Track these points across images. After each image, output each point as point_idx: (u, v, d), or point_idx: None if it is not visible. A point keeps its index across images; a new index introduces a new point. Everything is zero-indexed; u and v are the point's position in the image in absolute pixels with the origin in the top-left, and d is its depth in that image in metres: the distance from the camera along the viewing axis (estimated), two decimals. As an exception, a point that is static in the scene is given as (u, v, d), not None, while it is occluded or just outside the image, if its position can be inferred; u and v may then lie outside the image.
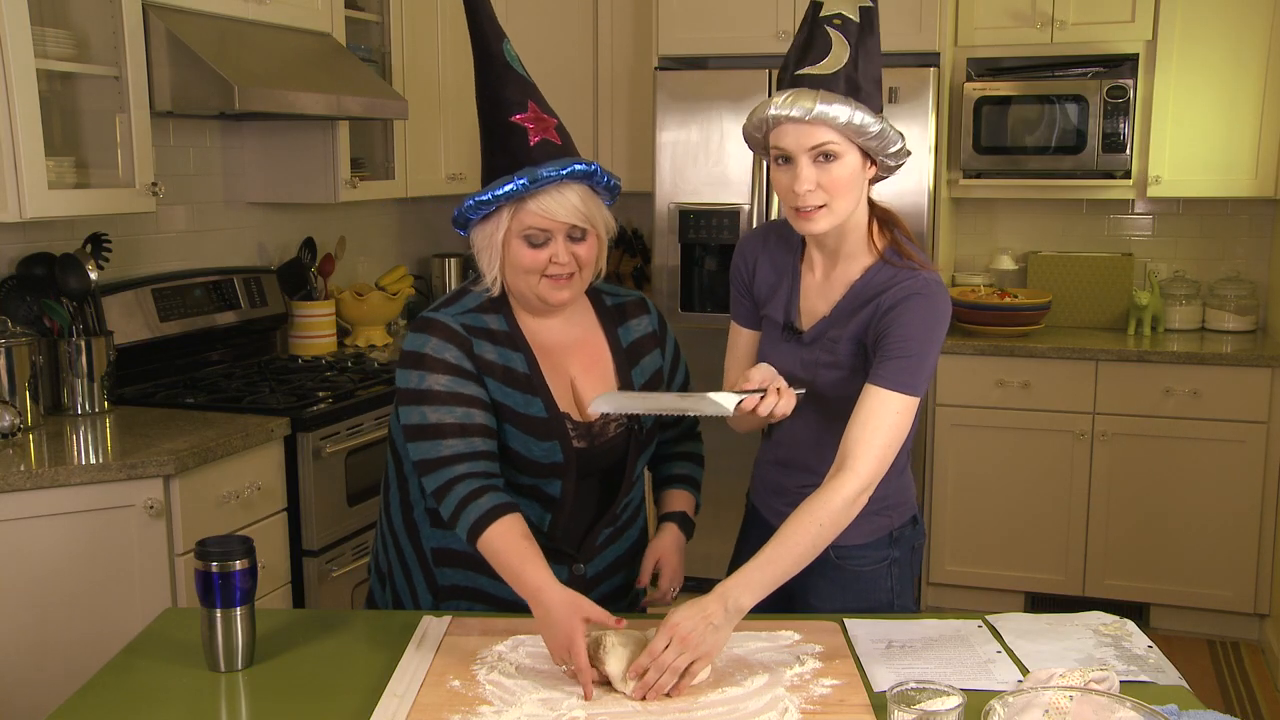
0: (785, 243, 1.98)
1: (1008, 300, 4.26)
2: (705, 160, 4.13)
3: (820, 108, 1.73)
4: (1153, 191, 4.14)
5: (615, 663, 1.59)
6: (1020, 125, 4.16)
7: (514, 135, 1.78)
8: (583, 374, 1.91)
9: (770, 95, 1.81)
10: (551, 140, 1.79)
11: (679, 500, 2.03)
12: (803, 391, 1.83)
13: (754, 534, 2.04)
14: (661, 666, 1.55)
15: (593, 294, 1.97)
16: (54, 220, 2.93)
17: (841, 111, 1.73)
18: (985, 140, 4.20)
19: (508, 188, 1.75)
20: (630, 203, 4.60)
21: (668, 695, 1.56)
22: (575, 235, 1.79)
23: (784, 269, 1.96)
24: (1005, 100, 4.16)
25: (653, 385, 1.97)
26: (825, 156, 1.76)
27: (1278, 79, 3.95)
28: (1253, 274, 4.35)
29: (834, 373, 1.88)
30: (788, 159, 1.78)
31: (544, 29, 4.48)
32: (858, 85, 1.76)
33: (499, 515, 1.75)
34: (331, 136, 3.62)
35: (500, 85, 1.81)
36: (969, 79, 4.24)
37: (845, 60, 1.75)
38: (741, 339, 2.05)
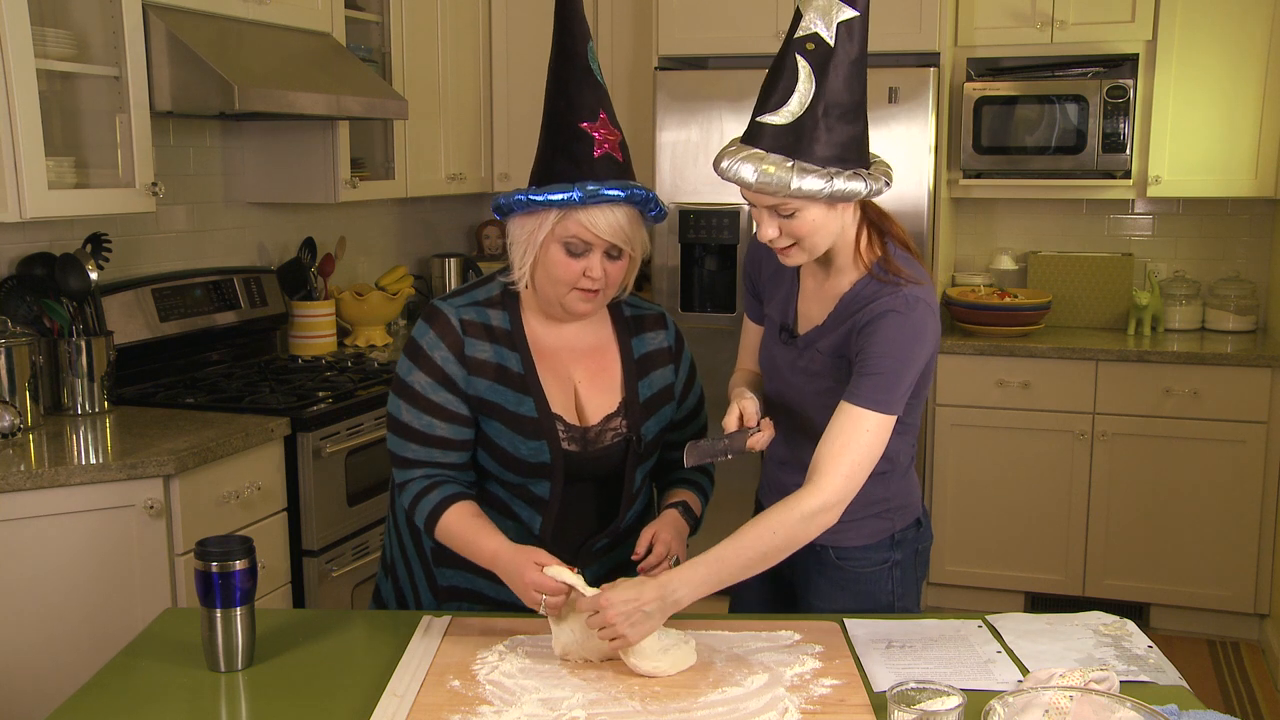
0: None
1: (1008, 300, 4.26)
2: (705, 160, 4.12)
3: (763, 179, 1.68)
4: (1153, 191, 4.13)
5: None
6: (1020, 125, 4.16)
7: (579, 142, 1.78)
8: (588, 380, 1.91)
9: (726, 146, 1.74)
10: (614, 156, 1.79)
11: (681, 495, 2.01)
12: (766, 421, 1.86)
13: None
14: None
15: (612, 303, 1.96)
16: (54, 220, 2.93)
17: (784, 182, 1.67)
18: (985, 140, 4.20)
19: (562, 196, 1.75)
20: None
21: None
22: (613, 253, 1.80)
23: (787, 272, 1.97)
24: (1005, 100, 4.16)
25: (662, 400, 1.97)
26: (783, 213, 1.74)
27: (1278, 79, 3.95)
28: (1253, 274, 4.35)
29: (818, 381, 1.88)
30: (754, 204, 1.77)
31: (543, 28, 4.45)
32: (814, 137, 1.67)
33: (451, 503, 1.81)
34: (331, 136, 3.61)
35: (577, 88, 1.80)
36: (969, 79, 4.24)
37: (808, 102, 1.67)
38: (751, 332, 2.09)
